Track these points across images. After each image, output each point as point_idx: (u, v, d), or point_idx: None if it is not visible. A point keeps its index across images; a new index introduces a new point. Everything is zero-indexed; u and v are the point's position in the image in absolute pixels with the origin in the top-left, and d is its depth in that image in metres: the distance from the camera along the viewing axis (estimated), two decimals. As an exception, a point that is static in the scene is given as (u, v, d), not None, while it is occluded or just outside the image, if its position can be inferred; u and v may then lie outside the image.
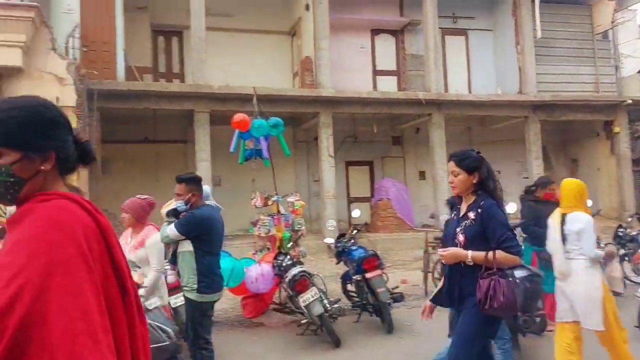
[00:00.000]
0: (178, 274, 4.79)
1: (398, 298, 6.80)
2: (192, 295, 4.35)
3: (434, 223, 13.14)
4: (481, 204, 3.25)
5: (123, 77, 12.12)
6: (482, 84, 16.44)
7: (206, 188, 4.83)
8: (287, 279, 6.27)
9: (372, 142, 15.77)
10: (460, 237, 3.27)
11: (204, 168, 12.13)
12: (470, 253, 3.18)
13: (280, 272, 6.53)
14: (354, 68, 15.50)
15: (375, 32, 16.25)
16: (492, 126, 16.69)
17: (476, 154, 3.39)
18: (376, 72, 16.18)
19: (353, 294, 7.22)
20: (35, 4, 9.29)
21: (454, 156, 3.40)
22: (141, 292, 4.23)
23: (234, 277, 6.58)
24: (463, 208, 3.39)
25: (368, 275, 6.58)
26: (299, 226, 7.61)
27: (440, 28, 15.30)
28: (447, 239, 3.46)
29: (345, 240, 7.38)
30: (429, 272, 8.42)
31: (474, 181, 3.32)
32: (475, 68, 16.89)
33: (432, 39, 14.66)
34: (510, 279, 3.12)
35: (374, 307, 6.64)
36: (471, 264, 3.18)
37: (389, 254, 12.01)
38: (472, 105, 14.87)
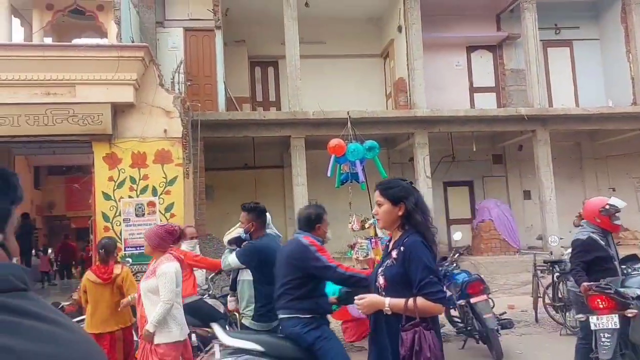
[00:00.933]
0: (237, 301, 4.86)
1: (506, 324, 6.40)
2: (247, 322, 4.50)
3: (541, 245, 12.35)
4: (404, 241, 2.74)
5: (224, 107, 12.71)
6: (590, 96, 15.38)
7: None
8: (387, 304, 6.11)
9: (472, 161, 15.21)
10: (381, 280, 2.76)
11: (300, 192, 12.32)
12: (388, 300, 2.66)
13: (379, 296, 6.39)
14: (450, 86, 15.16)
15: (471, 48, 15.83)
16: (603, 140, 15.54)
17: (406, 183, 2.89)
18: (473, 89, 15.71)
19: (457, 320, 6.90)
20: (144, 44, 10.03)
21: (379, 184, 2.93)
22: (148, 327, 4.06)
23: (334, 301, 6.53)
24: (390, 245, 2.90)
25: (473, 300, 6.27)
26: (398, 249, 7.43)
27: (541, 40, 14.58)
28: (372, 283, 2.94)
29: (447, 263, 7.11)
30: (540, 297, 7.88)
31: (399, 213, 2.79)
32: (582, 80, 15.87)
33: (534, 52, 13.99)
34: (432, 330, 2.61)
35: (480, 334, 6.29)
36: (389, 313, 2.66)
37: (494, 277, 11.42)
38: (580, 120, 13.94)
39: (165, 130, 10.21)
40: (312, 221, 4.00)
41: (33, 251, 14.85)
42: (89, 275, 5.41)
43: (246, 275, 4.56)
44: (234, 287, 4.90)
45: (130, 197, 9.96)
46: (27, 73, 9.30)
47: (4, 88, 9.24)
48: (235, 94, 13.78)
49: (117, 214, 9.89)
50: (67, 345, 0.83)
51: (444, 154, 15.02)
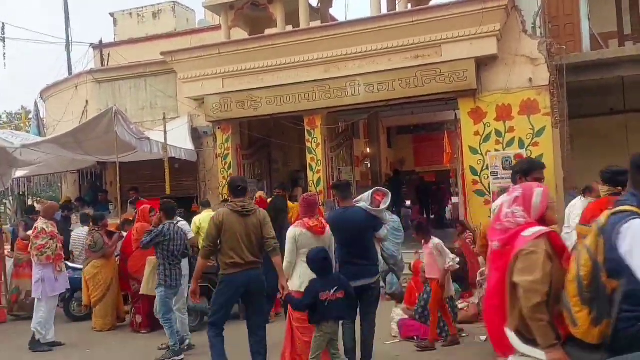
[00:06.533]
0: None
1: None
2: None
3: None
4: None
5: (589, 47, 11.42)
6: None
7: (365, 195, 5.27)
8: None
9: None
10: None
11: (695, 138, 10.30)
12: None
13: None
14: None
15: None
16: None
17: None
18: None
19: None
20: (510, -10, 9.68)
21: None
22: None
23: None
24: None
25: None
26: None
27: None
28: None
29: None
30: None
31: None
32: None
33: None
34: None
35: None
36: None
37: None
38: None
39: (530, 79, 9.81)
40: None
41: (407, 202, 17.17)
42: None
43: None
44: None
45: (496, 150, 9.95)
46: (399, 40, 10.06)
47: (381, 57, 10.22)
48: (598, 30, 12.22)
49: (485, 167, 10.02)
50: None
51: None
